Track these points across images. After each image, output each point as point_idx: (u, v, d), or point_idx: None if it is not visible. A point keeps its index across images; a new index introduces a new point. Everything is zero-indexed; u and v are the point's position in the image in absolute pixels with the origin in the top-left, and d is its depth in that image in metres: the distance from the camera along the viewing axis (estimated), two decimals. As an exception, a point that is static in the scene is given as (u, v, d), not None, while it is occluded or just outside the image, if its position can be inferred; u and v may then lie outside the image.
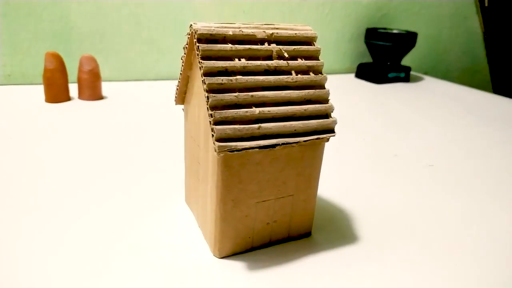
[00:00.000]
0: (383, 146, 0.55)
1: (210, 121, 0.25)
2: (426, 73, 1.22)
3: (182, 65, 0.30)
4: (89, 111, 0.60)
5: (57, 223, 0.32)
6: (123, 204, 0.36)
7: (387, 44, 0.93)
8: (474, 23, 1.27)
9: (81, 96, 0.64)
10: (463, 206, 0.40)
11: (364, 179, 0.45)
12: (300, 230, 0.33)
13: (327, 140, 0.29)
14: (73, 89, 0.67)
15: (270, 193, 0.29)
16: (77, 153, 0.45)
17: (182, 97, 0.33)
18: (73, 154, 0.45)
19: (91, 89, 0.63)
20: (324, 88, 0.30)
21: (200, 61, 0.26)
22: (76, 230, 0.32)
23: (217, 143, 0.25)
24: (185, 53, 0.29)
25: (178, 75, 0.30)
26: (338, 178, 0.44)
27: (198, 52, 0.26)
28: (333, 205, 0.39)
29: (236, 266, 0.29)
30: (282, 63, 0.28)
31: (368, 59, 1.08)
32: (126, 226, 0.33)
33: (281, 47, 0.28)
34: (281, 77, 0.28)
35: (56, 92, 0.61)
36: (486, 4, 1.22)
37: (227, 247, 0.29)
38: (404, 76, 1.00)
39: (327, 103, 0.30)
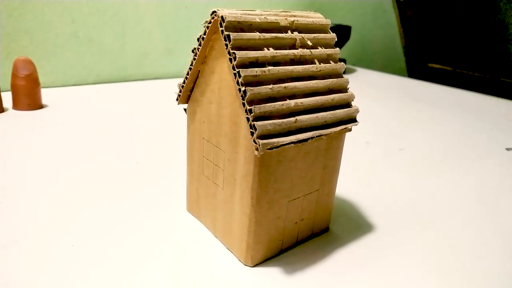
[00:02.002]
0: (352, 134, 0.56)
1: (248, 117, 0.23)
2: (354, 65, 1.29)
3: (194, 59, 0.27)
4: (31, 122, 0.52)
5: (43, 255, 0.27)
6: (119, 222, 0.31)
7: (326, 37, 0.96)
8: (392, 16, 1.37)
9: (17, 106, 0.55)
10: (461, 185, 0.43)
11: (349, 167, 0.45)
12: (322, 226, 0.32)
13: (350, 129, 0.29)
14: (6, 98, 0.58)
15: (300, 190, 0.28)
16: (29, 172, 0.39)
17: (187, 95, 0.29)
18: (24, 173, 0.39)
19: (30, 97, 0.55)
20: (343, 77, 0.29)
21: (232, 51, 0.23)
22: (75, 254, 0.27)
23: (260, 141, 0.23)
24: (200, 45, 0.26)
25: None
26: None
27: (227, 42, 0.23)
28: (336, 196, 0.38)
29: (272, 273, 0.27)
30: (306, 52, 0.26)
31: (305, 53, 1.10)
32: (133, 244, 0.29)
33: (303, 35, 0.27)
34: (307, 66, 0.26)
35: (-12, 102, 0.52)
36: (402, -1, 1.32)
37: (259, 253, 0.27)
38: (341, 67, 1.04)
39: (347, 91, 0.29)
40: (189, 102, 0.30)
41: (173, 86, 0.76)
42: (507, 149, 0.54)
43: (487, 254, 0.31)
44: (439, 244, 0.32)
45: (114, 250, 0.28)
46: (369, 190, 0.40)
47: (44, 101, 0.60)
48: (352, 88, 0.92)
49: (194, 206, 0.32)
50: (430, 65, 1.48)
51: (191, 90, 0.29)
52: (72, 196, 0.35)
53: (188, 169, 0.32)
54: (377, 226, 0.34)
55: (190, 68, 0.27)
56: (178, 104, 0.30)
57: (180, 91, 0.29)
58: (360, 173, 0.44)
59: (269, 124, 0.23)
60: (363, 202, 0.37)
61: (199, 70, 0.28)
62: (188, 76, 0.28)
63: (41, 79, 0.67)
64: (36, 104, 0.56)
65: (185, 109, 0.31)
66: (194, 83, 0.29)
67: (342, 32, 0.97)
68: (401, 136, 0.58)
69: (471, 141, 0.57)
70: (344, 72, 0.29)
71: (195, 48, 0.26)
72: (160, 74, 0.81)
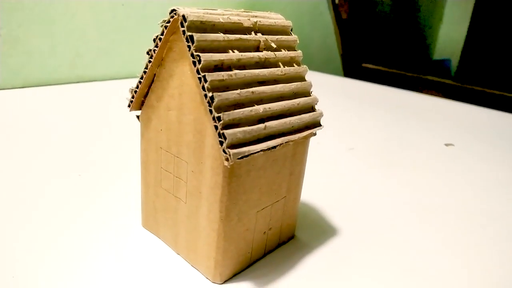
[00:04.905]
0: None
1: (216, 126, 0.21)
2: (294, 65, 1.31)
3: (150, 61, 0.24)
4: None
5: (-17, 290, 0.23)
6: (64, 244, 0.28)
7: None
8: (328, 18, 1.41)
9: None
10: (413, 182, 0.44)
11: (306, 170, 0.45)
12: (288, 234, 0.31)
13: (315, 134, 0.28)
14: None
15: (268, 199, 0.26)
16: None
17: (140, 101, 0.27)
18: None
19: None
20: (306, 80, 0.28)
21: (196, 53, 0.21)
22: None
23: (231, 151, 0.21)
24: (156, 46, 0.23)
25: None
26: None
27: (189, 43, 0.21)
28: (296, 200, 0.38)
29: (241, 288, 0.25)
30: (270, 54, 0.25)
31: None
32: (83, 268, 0.25)
33: (266, 37, 0.25)
34: (272, 70, 0.25)
35: None
36: (337, 2, 1.37)
37: (228, 269, 0.26)
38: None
39: (311, 95, 0.28)
40: (142, 109, 0.27)
41: (111, 88, 0.71)
42: (446, 144, 0.57)
43: (453, 251, 0.32)
44: (404, 245, 0.32)
45: (61, 278, 0.24)
46: (328, 192, 0.40)
47: (-39, 108, 0.53)
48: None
49: (151, 221, 0.30)
50: (364, 65, 1.55)
51: (145, 96, 0.27)
52: (5, 219, 0.30)
53: (143, 182, 0.29)
54: (341, 229, 0.33)
55: (144, 72, 0.25)
56: (130, 111, 0.27)
57: (133, 97, 0.26)
58: (317, 175, 0.44)
59: (239, 132, 0.22)
60: (324, 206, 0.37)
61: (155, 74, 0.25)
62: (142, 80, 0.25)
63: (-44, 84, 0.59)
64: (-49, 112, 0.49)
65: (137, 116, 0.28)
66: (149, 87, 0.26)
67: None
68: (347, 135, 0.59)
69: (412, 138, 0.60)
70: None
71: (150, 50, 0.24)
72: (95, 76, 0.76)
